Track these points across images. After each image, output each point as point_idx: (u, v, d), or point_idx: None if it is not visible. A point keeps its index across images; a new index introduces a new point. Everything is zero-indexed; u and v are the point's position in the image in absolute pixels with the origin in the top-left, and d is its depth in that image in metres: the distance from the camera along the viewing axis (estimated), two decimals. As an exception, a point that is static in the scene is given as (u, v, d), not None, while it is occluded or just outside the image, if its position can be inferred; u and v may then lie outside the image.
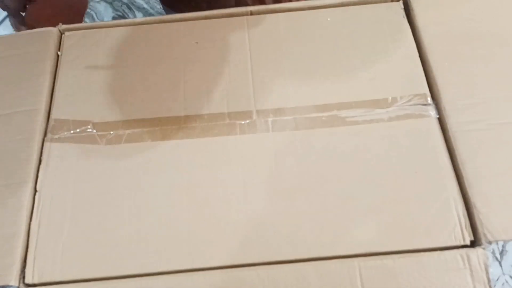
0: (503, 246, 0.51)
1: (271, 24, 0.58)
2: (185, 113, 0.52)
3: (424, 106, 0.50)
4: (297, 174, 0.48)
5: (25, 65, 0.56)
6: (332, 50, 0.55)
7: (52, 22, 0.59)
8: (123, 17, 1.31)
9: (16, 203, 0.47)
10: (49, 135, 0.52)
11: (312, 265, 0.43)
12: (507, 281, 0.50)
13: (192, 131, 0.51)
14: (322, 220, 0.45)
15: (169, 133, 0.51)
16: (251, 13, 0.59)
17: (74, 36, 0.59)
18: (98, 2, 1.32)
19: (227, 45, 0.57)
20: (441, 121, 0.50)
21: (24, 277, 0.44)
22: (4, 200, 0.47)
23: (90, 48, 0.58)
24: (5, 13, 0.66)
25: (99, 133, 0.51)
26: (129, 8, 1.32)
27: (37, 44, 0.58)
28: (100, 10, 1.33)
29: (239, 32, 0.57)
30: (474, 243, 0.43)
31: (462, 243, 0.43)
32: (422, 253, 0.43)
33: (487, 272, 0.41)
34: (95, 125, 0.52)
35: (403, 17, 0.57)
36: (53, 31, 0.59)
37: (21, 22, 0.62)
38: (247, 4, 0.61)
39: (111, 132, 0.51)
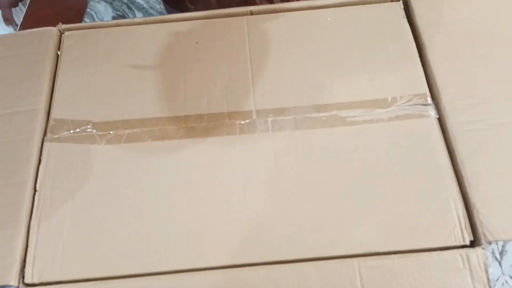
0: (503, 246, 0.51)
1: (271, 24, 0.58)
2: (185, 113, 0.52)
3: (424, 106, 0.50)
4: (297, 174, 0.48)
5: (25, 65, 0.56)
6: (332, 50, 0.55)
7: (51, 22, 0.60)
8: (123, 17, 1.31)
9: (15, 203, 0.47)
10: (49, 135, 0.52)
11: (312, 265, 0.43)
12: (506, 281, 0.50)
13: (192, 131, 0.51)
14: (322, 220, 0.45)
15: (169, 133, 0.51)
16: (251, 13, 0.59)
17: (74, 36, 0.59)
18: (98, 1, 1.32)
19: (227, 45, 0.57)
20: (441, 121, 0.50)
21: (23, 277, 0.44)
22: (3, 199, 0.47)
23: (90, 48, 0.58)
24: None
25: (99, 133, 0.51)
26: (129, 8, 1.32)
27: (37, 44, 0.58)
28: (100, 10, 1.32)
29: (239, 32, 0.57)
30: (473, 243, 0.43)
31: (462, 243, 0.43)
32: (422, 253, 0.43)
33: (486, 272, 0.41)
34: (95, 125, 0.52)
35: (403, 17, 0.57)
36: (53, 31, 0.59)
37: (9, 18, 0.62)
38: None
39: (111, 132, 0.51)
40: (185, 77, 0.55)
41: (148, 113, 0.52)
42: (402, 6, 0.58)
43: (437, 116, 0.50)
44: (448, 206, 0.45)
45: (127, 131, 0.51)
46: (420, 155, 0.48)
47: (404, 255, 0.43)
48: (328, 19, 0.57)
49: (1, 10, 0.59)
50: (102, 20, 1.31)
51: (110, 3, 1.35)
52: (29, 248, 0.45)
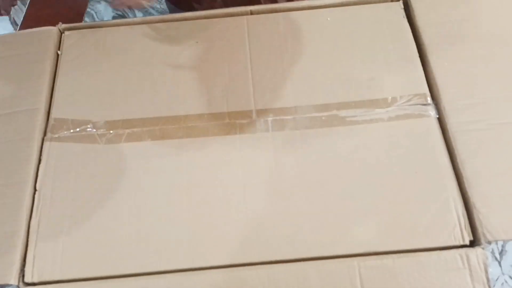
0: (503, 246, 0.51)
1: (271, 24, 0.58)
2: (185, 113, 0.52)
3: (424, 106, 0.50)
4: (296, 174, 0.48)
5: (25, 64, 0.56)
6: (332, 50, 0.55)
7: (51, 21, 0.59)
8: (123, 16, 1.30)
9: (16, 202, 0.47)
10: (49, 135, 0.52)
11: (312, 265, 0.43)
12: (506, 281, 0.50)
13: (192, 130, 0.51)
14: (322, 220, 0.45)
15: (169, 133, 0.51)
16: (251, 13, 0.59)
17: (74, 35, 0.59)
18: (98, 1, 1.32)
19: (227, 44, 0.57)
20: (441, 121, 0.50)
21: (23, 276, 0.44)
22: (3, 199, 0.47)
23: (90, 47, 0.58)
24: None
25: (98, 132, 0.51)
26: (129, 8, 1.32)
27: (37, 43, 0.58)
28: (100, 10, 1.32)
29: (239, 32, 0.57)
30: (473, 243, 0.43)
31: (462, 243, 0.43)
32: (421, 253, 0.43)
33: (486, 272, 0.41)
34: (94, 124, 0.52)
35: (403, 17, 0.57)
36: (53, 30, 0.59)
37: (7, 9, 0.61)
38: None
39: (111, 132, 0.51)
40: (185, 77, 0.55)
41: (148, 113, 0.52)
42: (402, 6, 0.58)
43: (437, 116, 0.50)
44: (448, 206, 0.45)
45: (127, 130, 0.51)
46: (420, 155, 0.48)
47: (404, 255, 0.43)
48: (328, 19, 0.57)
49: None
50: (102, 19, 1.31)
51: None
52: (29, 248, 0.45)
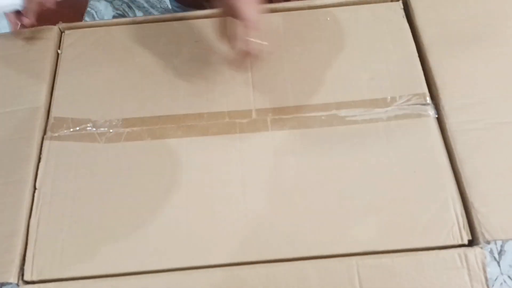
0: (502, 246, 0.51)
1: (271, 24, 0.58)
2: (185, 112, 0.52)
3: (423, 106, 0.50)
4: (296, 173, 0.48)
5: (25, 63, 0.56)
6: (331, 49, 0.55)
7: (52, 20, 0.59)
8: (123, 16, 1.31)
9: (15, 201, 0.47)
10: (48, 133, 0.52)
11: (311, 264, 0.43)
12: (505, 281, 0.50)
13: (192, 130, 0.51)
14: (321, 219, 0.45)
15: (168, 132, 0.51)
16: (251, 13, 0.59)
17: (74, 34, 0.59)
18: (98, 0, 1.32)
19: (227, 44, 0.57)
20: (440, 121, 0.50)
21: (23, 274, 0.44)
22: (3, 197, 0.47)
23: (90, 46, 0.58)
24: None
25: (98, 131, 0.52)
26: (129, 7, 1.32)
27: (37, 42, 0.58)
28: (101, 9, 1.32)
29: (239, 31, 0.58)
30: (472, 243, 0.44)
31: (460, 242, 0.43)
32: (420, 252, 0.43)
33: (484, 271, 0.42)
34: (94, 123, 0.52)
35: (403, 17, 0.57)
36: (53, 29, 0.59)
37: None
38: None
39: (111, 131, 0.51)
40: (185, 76, 0.55)
41: (148, 112, 0.52)
42: (402, 6, 0.58)
43: (436, 116, 0.50)
44: (446, 206, 0.45)
45: (127, 129, 0.51)
46: (419, 155, 0.48)
47: (403, 254, 0.43)
48: (328, 18, 0.57)
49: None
50: (102, 19, 1.32)
51: (111, 2, 1.35)
52: (28, 246, 0.45)
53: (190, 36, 0.58)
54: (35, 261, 0.45)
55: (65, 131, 0.52)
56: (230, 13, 0.46)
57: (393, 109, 0.51)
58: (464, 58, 0.53)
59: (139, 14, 1.33)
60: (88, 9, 1.31)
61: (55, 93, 0.55)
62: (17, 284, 0.44)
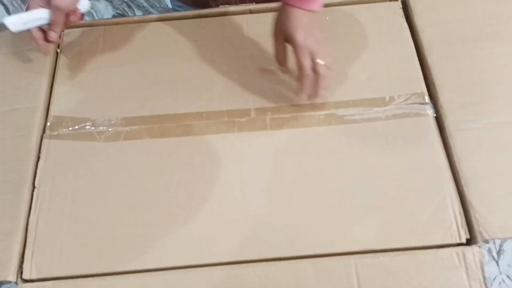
0: (500, 246, 0.51)
1: (270, 23, 0.58)
2: (184, 111, 0.52)
3: (421, 105, 0.50)
4: (294, 172, 0.48)
5: (25, 62, 0.56)
6: (330, 49, 0.55)
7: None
8: (122, 15, 1.31)
9: (14, 199, 0.47)
10: (47, 132, 0.52)
11: (309, 263, 0.43)
12: (504, 281, 0.50)
13: (191, 128, 0.51)
14: (320, 218, 0.45)
15: (167, 131, 0.51)
16: (250, 12, 0.59)
17: (74, 33, 0.59)
18: (98, 0, 1.32)
19: (226, 43, 0.57)
20: (439, 120, 0.50)
21: (22, 273, 0.44)
22: (2, 196, 0.48)
23: (89, 45, 0.58)
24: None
25: (97, 130, 0.52)
26: (129, 7, 1.32)
27: (37, 41, 0.58)
28: (100, 9, 1.32)
29: (238, 31, 0.58)
30: (470, 242, 0.44)
31: (458, 241, 0.43)
32: (418, 251, 0.43)
33: (482, 270, 0.42)
34: (93, 122, 0.52)
35: (402, 16, 0.57)
36: (52, 28, 0.59)
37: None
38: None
39: (110, 129, 0.52)
40: (184, 75, 0.55)
41: (147, 111, 0.52)
42: (401, 6, 0.58)
43: (435, 115, 0.50)
44: (445, 204, 0.45)
45: (126, 128, 0.52)
46: (417, 154, 0.48)
47: (401, 253, 0.43)
48: (327, 18, 0.57)
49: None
50: (102, 18, 1.32)
51: (110, 2, 1.35)
52: (27, 244, 0.45)
53: (190, 35, 0.58)
54: (34, 259, 0.45)
55: (64, 129, 0.52)
56: (292, 43, 0.47)
57: (391, 108, 0.51)
58: (463, 58, 0.53)
59: (138, 13, 1.33)
60: (88, 8, 1.31)
61: (54, 92, 0.55)
62: (16, 283, 0.44)
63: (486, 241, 0.44)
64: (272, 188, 0.47)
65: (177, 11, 0.72)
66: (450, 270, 0.42)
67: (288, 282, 0.43)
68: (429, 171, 0.47)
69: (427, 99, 0.51)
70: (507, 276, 0.51)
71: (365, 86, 0.52)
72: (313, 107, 0.51)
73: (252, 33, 0.57)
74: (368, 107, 0.51)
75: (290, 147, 0.49)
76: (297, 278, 0.43)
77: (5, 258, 0.44)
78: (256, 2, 0.59)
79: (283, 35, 0.48)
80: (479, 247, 0.42)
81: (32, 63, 0.56)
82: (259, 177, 0.48)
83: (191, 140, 0.50)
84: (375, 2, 0.59)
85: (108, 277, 0.44)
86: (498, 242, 0.54)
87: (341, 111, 0.51)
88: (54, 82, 0.56)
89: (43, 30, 0.52)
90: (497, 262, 0.51)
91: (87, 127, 0.52)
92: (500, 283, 0.51)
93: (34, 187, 0.48)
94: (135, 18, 0.60)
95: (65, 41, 0.58)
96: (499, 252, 0.52)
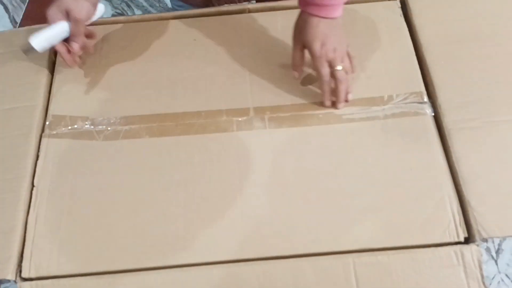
0: (499, 245, 0.51)
1: (268, 22, 0.58)
2: (183, 110, 0.52)
3: (420, 104, 0.51)
4: (293, 171, 0.48)
5: (24, 61, 0.56)
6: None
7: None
8: (122, 14, 1.30)
9: (13, 198, 0.47)
10: (46, 131, 0.52)
11: (308, 261, 0.43)
12: (502, 280, 0.50)
13: (190, 127, 0.51)
14: (318, 217, 0.45)
15: (166, 130, 0.51)
16: (249, 11, 0.59)
17: (73, 32, 0.59)
18: (97, 0, 1.33)
19: (225, 42, 0.57)
20: (437, 119, 0.50)
21: (21, 271, 0.44)
22: (1, 194, 0.48)
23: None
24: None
25: (96, 129, 0.52)
26: (128, 6, 1.32)
27: (36, 40, 0.58)
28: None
29: (237, 30, 0.58)
30: (468, 240, 0.44)
31: (456, 239, 0.43)
32: (416, 250, 0.43)
33: (480, 269, 0.42)
34: (92, 121, 0.52)
35: (400, 16, 0.57)
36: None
37: None
38: None
39: (109, 128, 0.52)
40: (183, 74, 0.55)
41: (146, 110, 0.53)
42: (400, 5, 0.58)
43: (433, 114, 0.50)
44: (443, 203, 0.45)
45: (125, 127, 0.52)
46: (415, 153, 0.48)
47: (399, 252, 0.43)
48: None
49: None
50: (101, 17, 1.32)
51: (110, 1, 1.35)
52: (26, 243, 0.45)
53: (189, 34, 0.58)
54: (33, 258, 0.45)
55: (63, 128, 0.52)
56: (309, 52, 0.48)
57: (390, 107, 0.51)
58: (461, 57, 0.53)
59: (138, 12, 1.33)
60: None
61: (53, 91, 0.55)
62: (15, 281, 0.44)
63: (485, 240, 0.44)
64: (270, 187, 0.47)
65: (177, 10, 0.72)
66: (448, 268, 0.42)
67: (287, 281, 0.43)
68: (428, 170, 0.47)
69: (425, 98, 0.51)
70: (506, 275, 0.51)
71: (364, 85, 0.52)
72: (312, 106, 0.51)
73: (251, 32, 0.57)
74: (367, 106, 0.51)
75: (289, 146, 0.49)
76: (296, 277, 0.43)
77: (4, 256, 0.44)
78: (256, 1, 0.59)
79: (301, 43, 0.49)
80: (477, 245, 0.42)
81: (31, 62, 0.56)
82: (258, 176, 0.48)
83: (190, 139, 0.51)
84: (374, 1, 0.59)
85: (107, 276, 0.44)
86: (497, 241, 0.54)
87: (339, 110, 0.51)
88: (53, 81, 0.56)
89: (65, 42, 0.52)
90: (496, 261, 0.51)
91: (86, 126, 0.52)
92: (499, 282, 0.51)
93: (33, 185, 0.48)
94: (134, 17, 0.60)
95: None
96: (498, 251, 0.52)
